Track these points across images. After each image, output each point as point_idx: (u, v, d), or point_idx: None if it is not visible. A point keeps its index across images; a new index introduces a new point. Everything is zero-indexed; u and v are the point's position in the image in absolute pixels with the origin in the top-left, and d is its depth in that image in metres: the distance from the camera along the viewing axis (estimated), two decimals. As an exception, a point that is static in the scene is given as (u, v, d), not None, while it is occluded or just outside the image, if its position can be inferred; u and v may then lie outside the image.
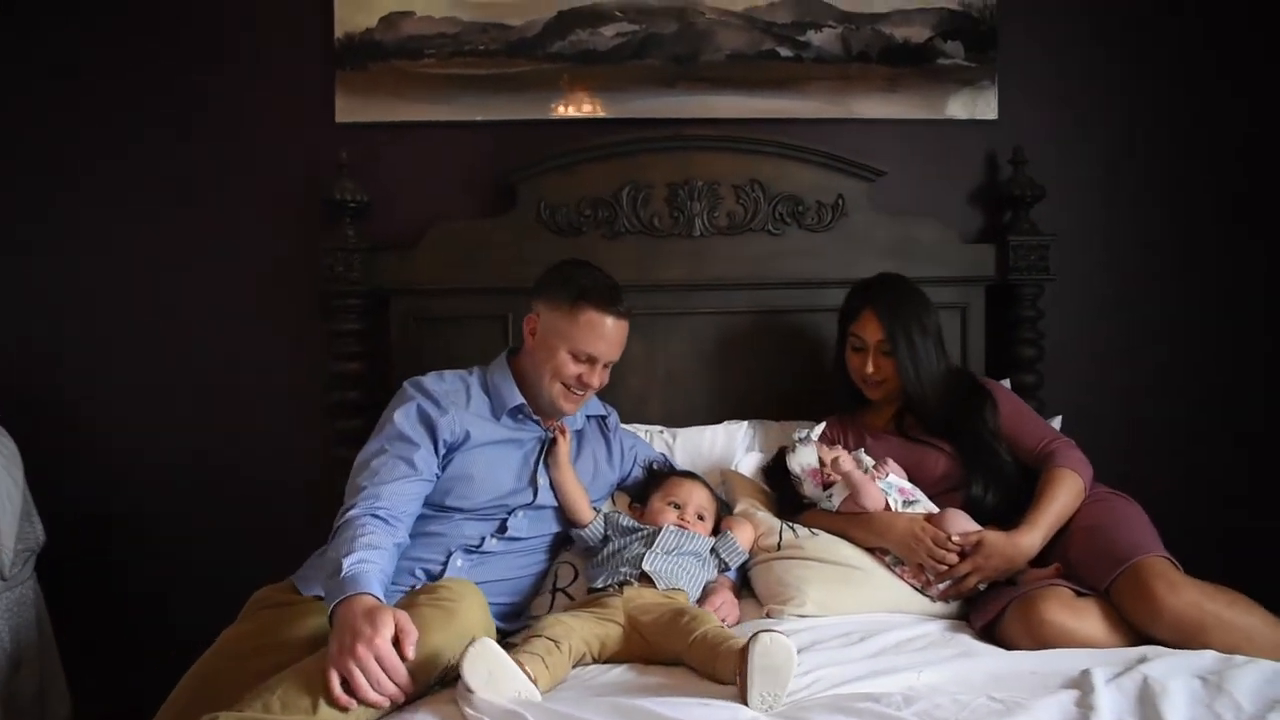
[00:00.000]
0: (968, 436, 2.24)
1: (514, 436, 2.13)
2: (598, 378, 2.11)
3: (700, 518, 2.13)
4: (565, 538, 2.18)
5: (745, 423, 2.58)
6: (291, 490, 2.68)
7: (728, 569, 2.11)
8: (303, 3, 2.63)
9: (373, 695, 1.46)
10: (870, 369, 2.30)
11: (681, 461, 2.45)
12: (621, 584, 1.92)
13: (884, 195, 2.70)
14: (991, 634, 1.91)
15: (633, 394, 2.63)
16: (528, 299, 2.16)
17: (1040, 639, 1.80)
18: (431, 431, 2.02)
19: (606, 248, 2.61)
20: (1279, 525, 2.77)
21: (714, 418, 2.63)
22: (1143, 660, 1.67)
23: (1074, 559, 1.98)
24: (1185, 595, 1.80)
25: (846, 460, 2.17)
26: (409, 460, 1.95)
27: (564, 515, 2.17)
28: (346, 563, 1.64)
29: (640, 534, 2.05)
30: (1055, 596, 1.86)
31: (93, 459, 2.71)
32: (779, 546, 2.13)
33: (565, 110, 2.67)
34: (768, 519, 2.19)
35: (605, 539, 2.10)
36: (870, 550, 2.11)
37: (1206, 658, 1.67)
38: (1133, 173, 2.84)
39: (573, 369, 2.08)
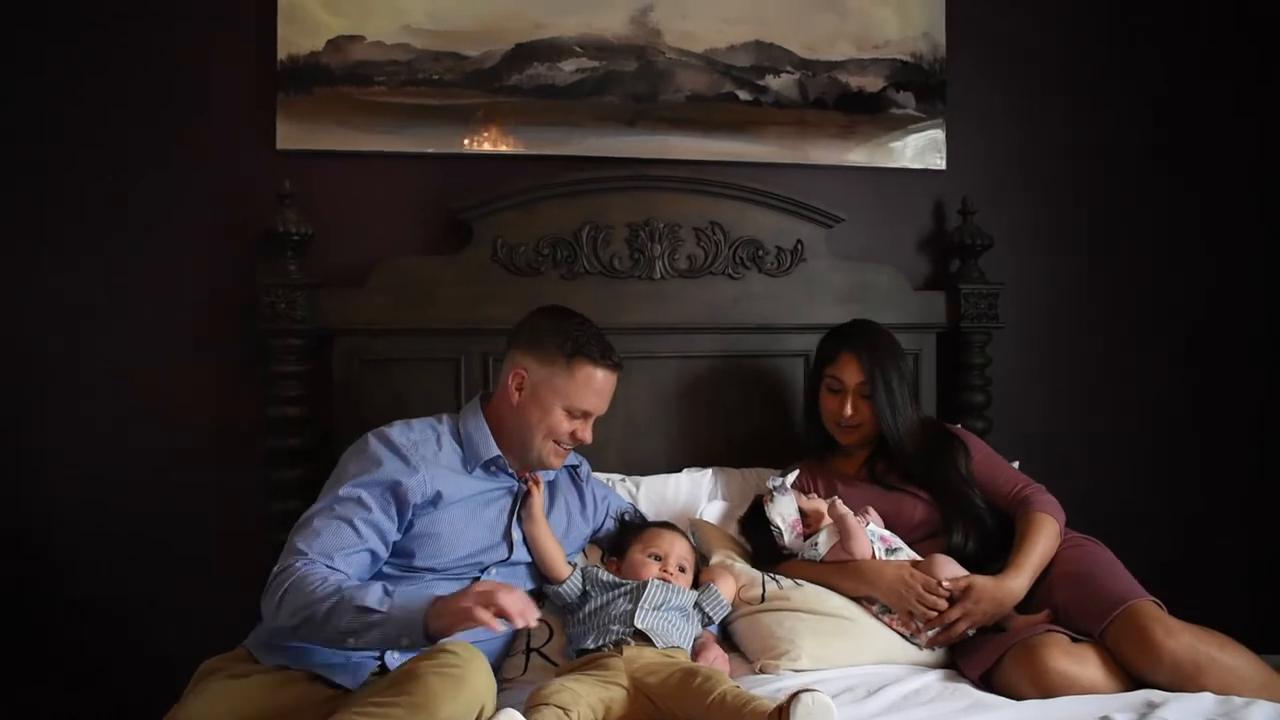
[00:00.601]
0: (944, 483, 2.24)
1: (486, 489, 2.00)
2: (589, 432, 2.02)
3: (681, 569, 2.04)
4: (539, 595, 2.05)
5: (708, 470, 2.52)
6: (227, 546, 2.45)
7: (710, 623, 2.03)
8: (242, 22, 2.45)
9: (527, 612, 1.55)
10: (849, 411, 2.28)
11: (645, 511, 2.36)
12: (618, 643, 1.81)
13: (840, 241, 2.70)
14: (989, 682, 1.89)
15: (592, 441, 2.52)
16: (510, 351, 2.04)
17: (1044, 686, 1.79)
18: (398, 498, 1.86)
19: (565, 289, 2.51)
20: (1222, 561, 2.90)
21: (673, 465, 2.56)
22: (1151, 705, 1.68)
23: (1062, 605, 1.98)
24: (1182, 639, 1.82)
25: (840, 504, 2.13)
26: (354, 526, 1.80)
27: (538, 571, 2.05)
28: (375, 603, 1.60)
29: (624, 589, 1.95)
30: (1056, 643, 1.85)
31: (8, 512, 2.42)
32: (763, 598, 2.06)
33: (522, 146, 2.57)
34: (747, 570, 2.13)
35: (584, 595, 1.99)
36: (856, 599, 2.07)
37: (1208, 700, 1.70)
38: (1077, 222, 2.94)
39: (567, 426, 1.99)
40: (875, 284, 2.70)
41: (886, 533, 2.15)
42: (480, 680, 1.52)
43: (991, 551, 2.15)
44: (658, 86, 2.63)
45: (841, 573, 2.08)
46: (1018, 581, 2.02)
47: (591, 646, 1.83)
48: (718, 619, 2.02)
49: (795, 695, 1.47)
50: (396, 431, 1.96)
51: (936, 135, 2.79)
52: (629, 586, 1.95)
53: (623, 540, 2.13)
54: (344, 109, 2.47)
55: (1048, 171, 2.90)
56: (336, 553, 1.76)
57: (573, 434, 2.00)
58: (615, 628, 1.84)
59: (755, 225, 2.63)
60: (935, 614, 1.99)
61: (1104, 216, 2.95)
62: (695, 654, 1.92)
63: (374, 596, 1.60)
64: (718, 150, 2.67)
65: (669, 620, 1.89)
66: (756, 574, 2.11)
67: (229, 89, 2.46)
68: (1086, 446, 2.81)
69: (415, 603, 1.59)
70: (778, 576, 2.10)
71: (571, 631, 1.95)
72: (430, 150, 2.52)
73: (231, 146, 2.46)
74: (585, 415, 2.00)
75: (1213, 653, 1.82)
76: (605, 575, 2.01)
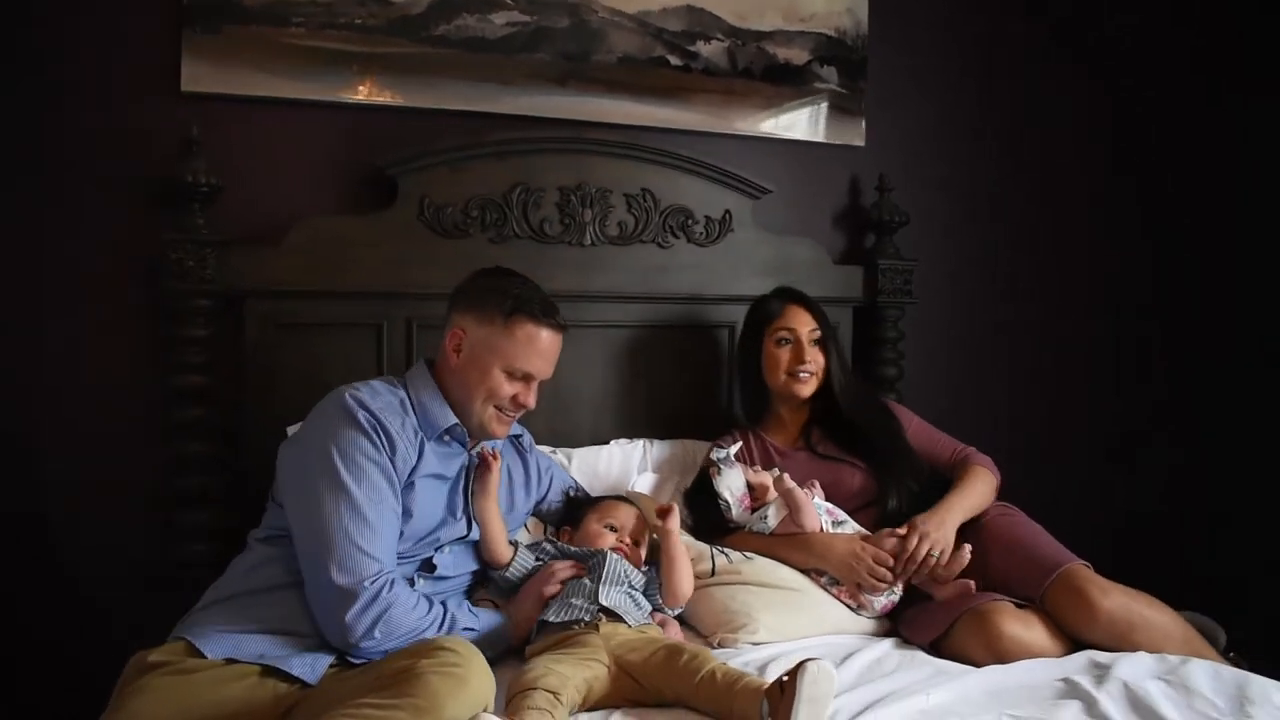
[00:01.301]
0: (882, 450, 2.29)
1: (443, 461, 1.90)
2: (533, 396, 1.93)
3: (636, 543, 2.01)
4: (482, 575, 1.98)
5: (639, 441, 2.49)
6: (123, 529, 2.24)
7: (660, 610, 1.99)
8: (141, -53, 2.21)
9: None
10: (806, 359, 2.29)
11: (578, 483, 2.31)
12: (590, 621, 1.76)
13: (763, 213, 2.71)
14: (938, 649, 1.95)
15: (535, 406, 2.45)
16: (448, 312, 1.93)
17: (998, 651, 1.86)
18: (398, 476, 1.77)
19: (494, 253, 2.40)
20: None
21: (600, 436, 2.52)
22: (1099, 665, 1.77)
23: (999, 572, 2.06)
24: (1116, 599, 1.93)
25: (788, 479, 2.14)
26: (393, 512, 1.74)
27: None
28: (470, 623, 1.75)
29: (584, 559, 1.91)
30: (1006, 610, 1.93)
31: None
32: (713, 572, 2.06)
33: (450, 102, 2.43)
34: (695, 544, 2.11)
35: (536, 570, 1.93)
36: (804, 571, 2.10)
37: (1148, 659, 1.80)
38: (988, 203, 3.06)
39: (508, 389, 1.88)
40: (797, 257, 2.72)
41: (831, 505, 2.18)
42: (482, 680, 1.45)
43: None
44: (590, 46, 2.55)
45: (791, 545, 2.10)
46: (951, 514, 2.12)
47: (555, 620, 1.77)
48: (672, 612, 1.96)
49: (802, 664, 1.47)
50: (366, 395, 1.81)
51: (856, 112, 2.83)
52: (589, 557, 1.90)
53: (576, 511, 2.09)
54: (258, 51, 2.26)
55: (960, 152, 3.00)
56: (393, 549, 1.73)
57: (515, 398, 1.89)
58: (579, 602, 1.79)
59: (685, 194, 2.60)
60: (883, 585, 2.04)
61: (1011, 197, 3.08)
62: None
63: (466, 620, 1.72)
64: (647, 115, 2.61)
65: (632, 599, 1.86)
66: (704, 547, 2.10)
67: (128, 22, 2.20)
68: (992, 421, 2.93)
69: (494, 622, 1.78)
70: (726, 550, 2.10)
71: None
72: (352, 100, 2.35)
73: (131, 87, 2.21)
74: (527, 378, 1.89)
75: (1143, 610, 1.94)
76: (563, 545, 1.98)
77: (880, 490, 2.25)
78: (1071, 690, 1.66)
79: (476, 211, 2.41)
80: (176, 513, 2.19)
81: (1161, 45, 3.21)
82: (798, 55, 2.75)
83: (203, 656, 1.61)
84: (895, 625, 2.08)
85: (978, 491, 2.21)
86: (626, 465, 2.43)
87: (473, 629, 1.74)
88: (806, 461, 2.31)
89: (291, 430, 2.16)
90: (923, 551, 2.04)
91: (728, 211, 2.64)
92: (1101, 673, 1.73)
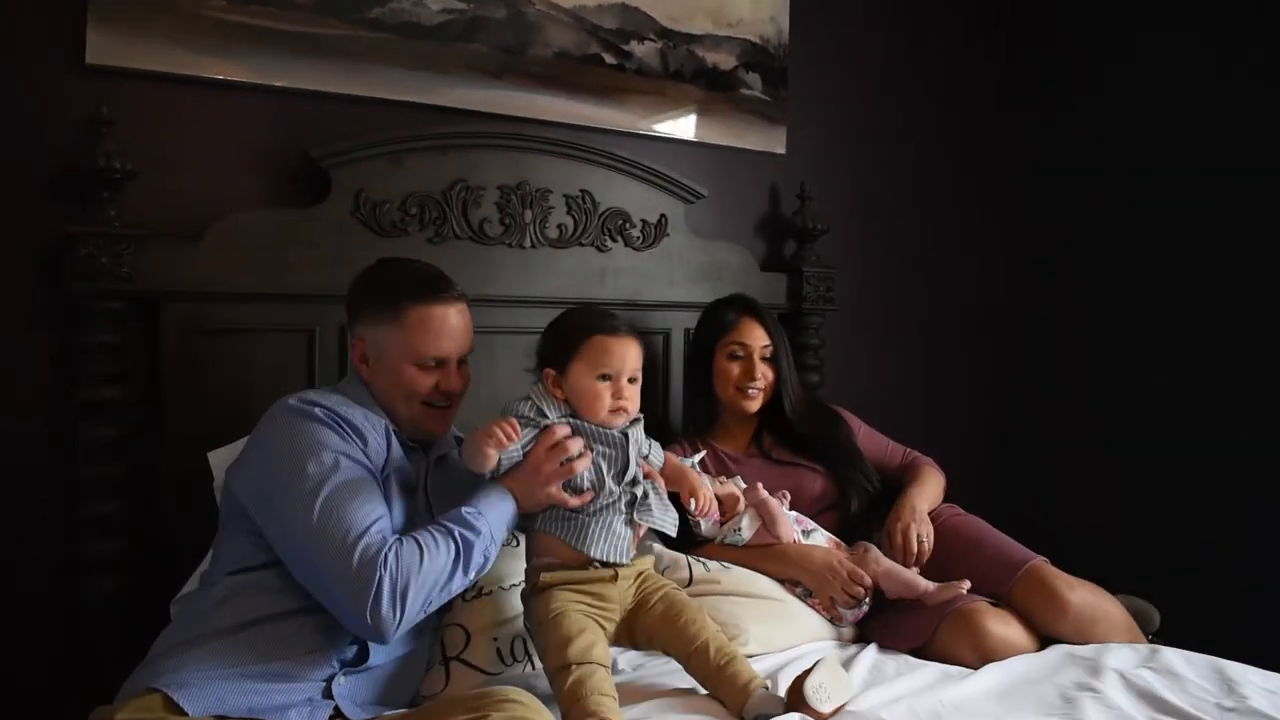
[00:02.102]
0: (836, 455, 2.30)
1: (407, 463, 1.74)
2: (457, 379, 1.76)
3: (632, 380, 1.76)
4: None
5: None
6: (21, 562, 1.93)
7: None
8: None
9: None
10: (757, 375, 2.27)
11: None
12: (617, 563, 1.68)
13: (694, 218, 2.67)
14: (919, 652, 1.96)
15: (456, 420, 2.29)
16: (348, 325, 1.80)
17: (985, 651, 1.90)
18: (368, 470, 1.61)
19: (433, 254, 2.24)
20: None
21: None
22: (1083, 659, 1.84)
23: (962, 571, 2.08)
24: (1080, 592, 2.01)
25: (761, 489, 2.10)
26: (370, 489, 1.57)
27: None
28: (476, 522, 1.59)
29: (610, 449, 1.71)
30: (988, 610, 1.97)
31: None
32: (690, 581, 1.99)
33: (383, 88, 2.25)
34: (670, 552, 2.05)
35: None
36: (779, 581, 2.07)
37: (1124, 650, 1.88)
38: (904, 212, 3.15)
39: (425, 381, 1.72)
40: (727, 263, 2.70)
41: (799, 514, 2.17)
42: None
43: (884, 520, 2.25)
44: (527, 39, 2.43)
45: (768, 556, 2.07)
46: (919, 503, 2.19)
47: (600, 558, 1.66)
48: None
49: (815, 665, 1.55)
50: (315, 395, 1.66)
51: (779, 119, 2.84)
52: (602, 439, 1.70)
53: (558, 347, 1.76)
54: (174, 22, 2.01)
55: (876, 161, 3.08)
56: (386, 514, 1.57)
57: (436, 387, 1.73)
58: (618, 528, 1.68)
59: (623, 196, 2.53)
60: (854, 601, 2.04)
61: (927, 206, 3.20)
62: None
63: (481, 533, 1.57)
64: (582, 114, 2.52)
65: (660, 502, 1.76)
66: (681, 556, 2.04)
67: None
68: (909, 426, 3.01)
69: (497, 505, 1.62)
70: (703, 559, 2.05)
71: (557, 525, 1.69)
72: (279, 84, 2.13)
73: (26, 56, 1.91)
74: (440, 363, 1.73)
75: (1101, 602, 2.03)
76: (581, 422, 1.71)
77: (840, 494, 2.27)
78: (1076, 685, 1.71)
79: (415, 209, 2.24)
80: (82, 545, 1.91)
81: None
82: (725, 60, 2.74)
83: (183, 713, 1.40)
84: (865, 633, 2.09)
85: (931, 489, 2.28)
86: (575, 477, 2.33)
87: (490, 538, 1.59)
88: (762, 468, 2.29)
89: (219, 456, 1.94)
90: (913, 539, 2.08)
91: (663, 215, 2.58)
92: (1091, 665, 1.79)
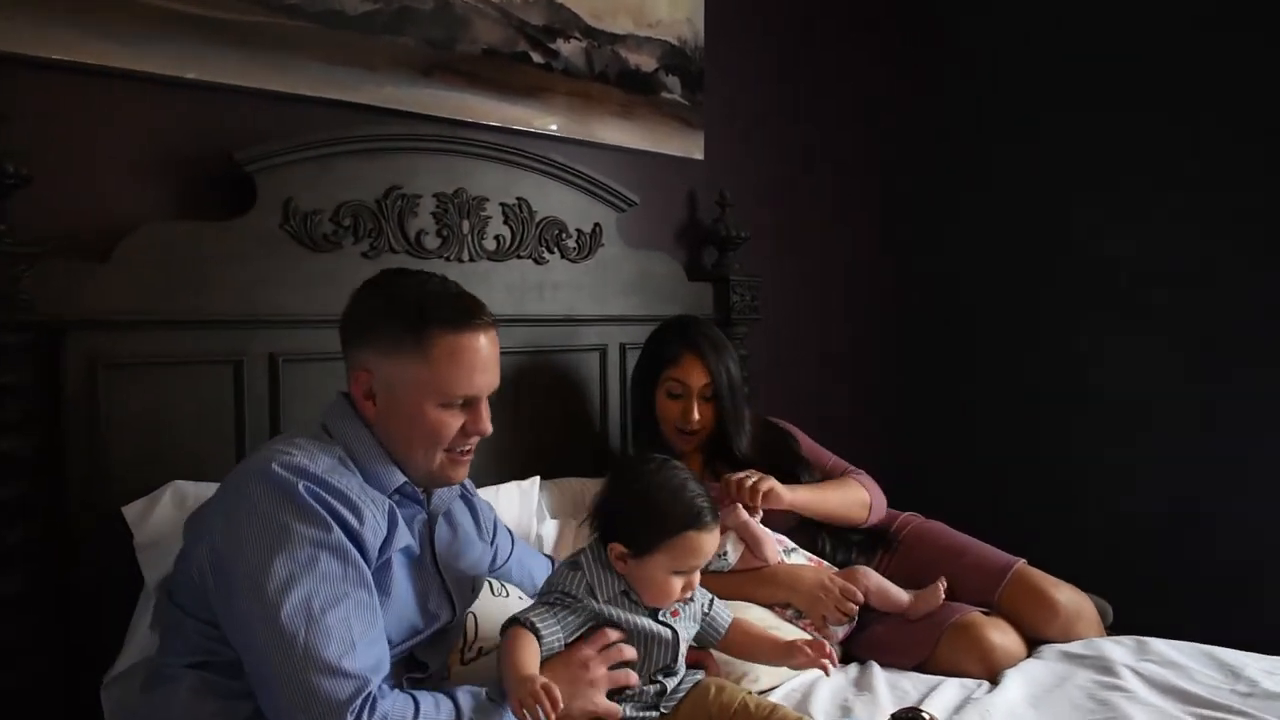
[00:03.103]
0: (791, 477, 2.24)
1: (408, 527, 1.52)
2: (485, 418, 1.50)
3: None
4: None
5: (534, 481, 2.21)
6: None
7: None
8: None
9: None
10: (695, 417, 2.17)
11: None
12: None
13: (624, 227, 2.54)
14: (921, 667, 1.93)
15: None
16: (343, 349, 1.53)
17: (990, 663, 1.90)
18: (365, 560, 1.37)
19: (368, 269, 1.99)
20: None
21: (487, 476, 2.20)
22: (1083, 657, 1.87)
23: (951, 580, 2.08)
24: (1065, 591, 2.05)
25: (741, 511, 2.01)
26: (369, 608, 1.34)
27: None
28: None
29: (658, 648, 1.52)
30: (987, 620, 1.97)
31: None
32: (683, 618, 1.87)
33: (308, 84, 1.99)
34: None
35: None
36: (768, 606, 1.98)
37: (1117, 647, 1.92)
38: (819, 220, 3.14)
39: (453, 424, 1.46)
40: (656, 273, 2.59)
41: (779, 535, 2.09)
42: None
43: (843, 537, 2.21)
44: (455, 33, 2.22)
45: (758, 581, 1.98)
46: (796, 494, 2.09)
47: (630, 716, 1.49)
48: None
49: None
50: (304, 459, 1.38)
51: (697, 124, 2.76)
52: (649, 638, 1.50)
53: (640, 528, 1.49)
54: (76, 4, 1.68)
55: (787, 170, 3.05)
56: (383, 660, 1.33)
57: (463, 430, 1.48)
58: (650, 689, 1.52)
59: (559, 205, 2.37)
60: (847, 618, 1.97)
61: (836, 216, 3.20)
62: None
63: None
64: (512, 116, 2.34)
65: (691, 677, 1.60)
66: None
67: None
68: (833, 435, 3.00)
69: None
70: (692, 593, 1.93)
71: None
72: (192, 75, 1.83)
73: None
74: (470, 402, 1.48)
75: (1080, 600, 2.08)
76: (627, 615, 1.49)
77: (800, 515, 2.20)
78: (1098, 685, 1.73)
79: (349, 220, 1.99)
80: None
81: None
82: (646, 62, 2.63)
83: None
84: (854, 651, 2.03)
85: (833, 494, 2.20)
86: (526, 509, 2.15)
87: None
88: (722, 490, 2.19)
89: (135, 511, 1.66)
90: (752, 479, 2.01)
91: (597, 224, 2.44)
92: (1097, 664, 1.83)
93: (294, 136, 1.91)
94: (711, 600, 1.64)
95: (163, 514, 1.68)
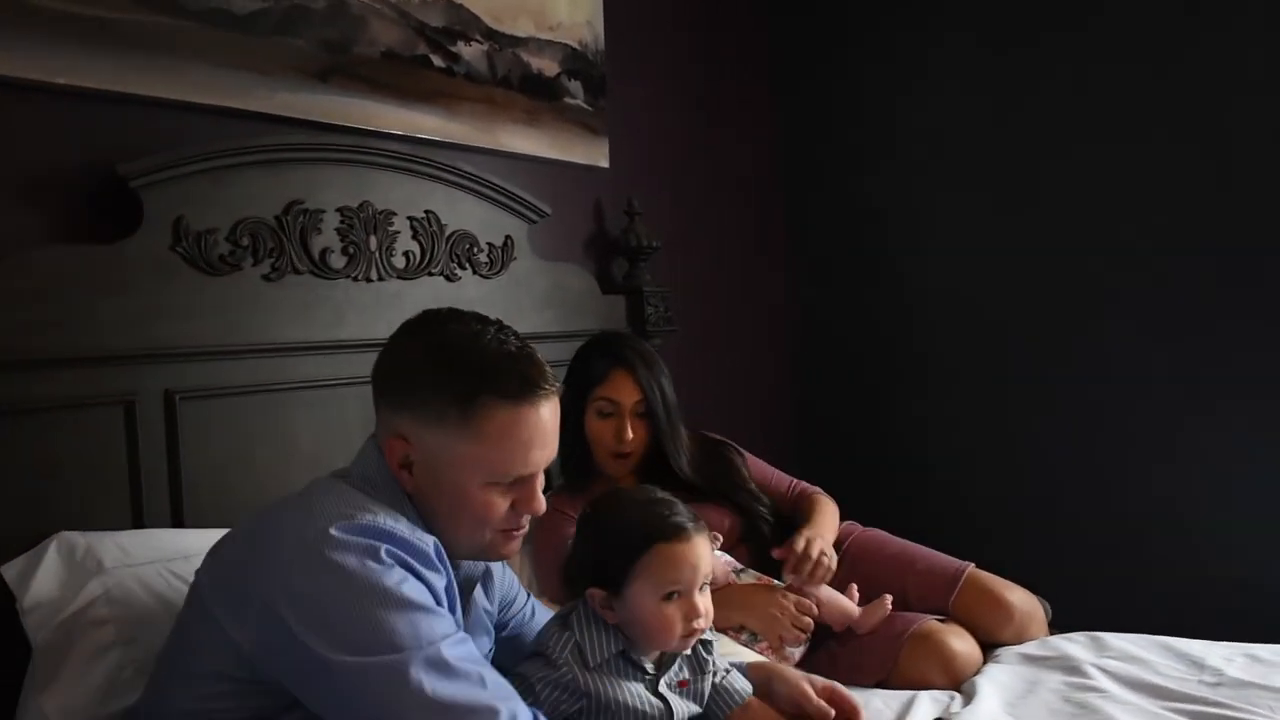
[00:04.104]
0: (735, 491, 2.17)
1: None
2: (540, 497, 1.30)
3: (704, 587, 1.40)
4: None
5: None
6: None
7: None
8: None
9: None
10: (629, 435, 2.07)
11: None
12: None
13: (535, 239, 2.42)
14: (883, 683, 1.88)
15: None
16: (375, 404, 1.34)
17: (954, 672, 1.87)
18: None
19: (270, 294, 1.84)
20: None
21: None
22: (1045, 659, 1.86)
23: (899, 587, 2.04)
24: (1018, 594, 2.05)
25: (688, 533, 1.91)
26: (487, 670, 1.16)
27: None
28: None
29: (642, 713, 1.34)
30: (944, 628, 1.93)
31: None
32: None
33: (195, 91, 1.79)
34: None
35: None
36: (724, 631, 1.89)
37: (1074, 646, 1.91)
38: (724, 224, 3.09)
39: (503, 504, 1.26)
40: (570, 287, 2.48)
41: (726, 555, 2.00)
42: None
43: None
44: (351, 35, 2.06)
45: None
46: (823, 529, 2.06)
47: None
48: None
49: None
50: (365, 516, 1.17)
51: (601, 131, 2.66)
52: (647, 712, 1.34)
53: (604, 560, 1.37)
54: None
55: (690, 178, 2.98)
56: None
57: (514, 507, 1.28)
58: None
59: (468, 218, 2.22)
60: (804, 636, 1.91)
61: (740, 224, 3.15)
62: None
63: None
64: (416, 124, 2.19)
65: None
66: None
67: None
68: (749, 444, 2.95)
69: None
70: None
71: None
72: (63, 81, 1.61)
73: None
74: (525, 478, 1.28)
75: (1029, 600, 2.08)
76: (614, 688, 1.32)
77: (747, 527, 2.14)
78: (1068, 686, 1.71)
79: (247, 239, 1.80)
80: None
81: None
82: (549, 66, 2.51)
83: None
84: (812, 669, 1.96)
85: (830, 519, 2.18)
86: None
87: None
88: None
89: (15, 570, 1.46)
90: (815, 549, 1.95)
91: (509, 237, 2.31)
92: (1061, 664, 1.82)
93: (185, 147, 1.72)
94: (729, 671, 1.48)
95: (49, 570, 1.47)
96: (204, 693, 1.18)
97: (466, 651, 1.14)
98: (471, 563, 1.37)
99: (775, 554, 1.98)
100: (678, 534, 1.36)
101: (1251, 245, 2.73)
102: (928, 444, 3.27)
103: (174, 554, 1.56)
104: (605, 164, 2.68)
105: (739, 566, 2.00)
